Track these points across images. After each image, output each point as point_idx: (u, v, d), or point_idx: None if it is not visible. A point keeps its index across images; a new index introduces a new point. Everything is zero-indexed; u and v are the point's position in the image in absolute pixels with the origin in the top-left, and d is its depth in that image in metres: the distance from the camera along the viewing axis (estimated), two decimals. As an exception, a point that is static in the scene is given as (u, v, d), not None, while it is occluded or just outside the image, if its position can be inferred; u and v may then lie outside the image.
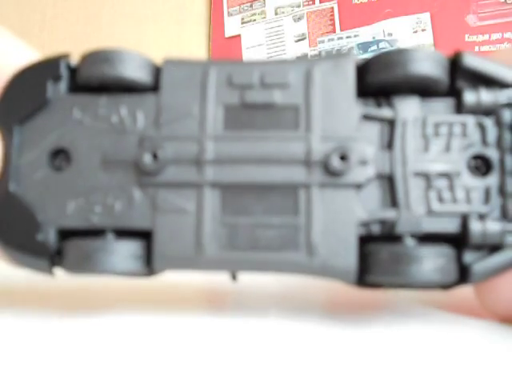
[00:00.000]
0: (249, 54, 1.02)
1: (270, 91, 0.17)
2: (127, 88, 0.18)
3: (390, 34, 0.94)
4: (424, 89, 0.17)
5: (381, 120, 0.17)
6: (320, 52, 0.98)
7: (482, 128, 0.17)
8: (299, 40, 1.00)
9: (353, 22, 0.96)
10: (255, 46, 1.03)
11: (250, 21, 1.03)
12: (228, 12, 1.05)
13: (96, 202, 0.17)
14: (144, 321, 0.17)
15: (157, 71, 0.18)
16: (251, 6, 1.03)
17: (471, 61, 0.17)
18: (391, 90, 0.17)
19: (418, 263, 0.15)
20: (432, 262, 0.15)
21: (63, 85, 0.18)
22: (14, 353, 0.14)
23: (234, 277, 0.18)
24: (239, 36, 1.04)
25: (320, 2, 0.99)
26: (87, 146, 0.17)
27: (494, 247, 0.16)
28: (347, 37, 0.96)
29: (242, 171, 0.17)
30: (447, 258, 0.16)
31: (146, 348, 0.15)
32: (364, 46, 0.95)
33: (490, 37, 0.88)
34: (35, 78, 0.18)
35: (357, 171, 0.16)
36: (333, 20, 0.98)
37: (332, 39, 0.98)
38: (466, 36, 0.89)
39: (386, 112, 0.17)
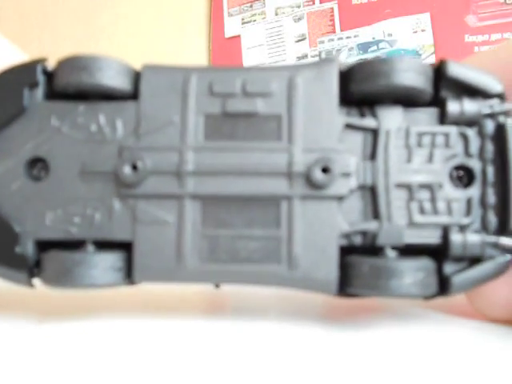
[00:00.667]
0: (249, 54, 1.03)
1: (252, 100, 0.17)
2: (106, 96, 0.17)
3: (389, 35, 0.94)
4: (408, 99, 0.17)
5: (364, 130, 0.17)
6: (320, 52, 0.98)
7: (464, 138, 0.17)
8: (299, 40, 1.00)
9: (353, 23, 0.96)
10: (255, 46, 1.03)
11: (250, 21, 1.03)
12: (228, 12, 1.05)
13: (75, 212, 0.17)
14: (143, 323, 0.17)
15: (137, 78, 0.17)
16: (251, 6, 1.03)
17: (455, 70, 0.17)
18: (374, 100, 0.17)
19: (398, 277, 0.15)
20: (412, 275, 0.15)
21: (40, 91, 0.17)
22: None
23: (217, 286, 0.18)
24: (239, 36, 1.04)
25: (320, 3, 0.99)
26: (66, 156, 0.17)
27: (474, 259, 0.16)
28: (347, 37, 0.97)
29: (223, 183, 0.16)
30: (427, 272, 0.16)
31: (146, 351, 0.15)
32: (364, 47, 0.95)
33: (489, 37, 0.88)
34: (11, 85, 0.17)
35: (339, 183, 0.16)
36: (333, 20, 0.98)
37: (332, 39, 0.98)
38: (466, 36, 0.89)
39: (369, 122, 0.17)
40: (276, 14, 1.02)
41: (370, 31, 0.95)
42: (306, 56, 0.98)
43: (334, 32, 0.98)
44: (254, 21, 1.03)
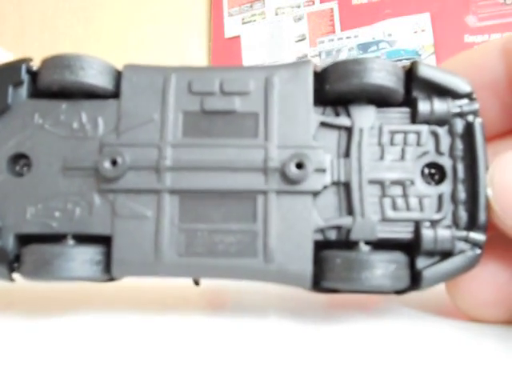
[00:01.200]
0: (249, 54, 1.03)
1: (229, 99, 0.17)
2: (88, 94, 0.18)
3: (389, 35, 0.94)
4: (380, 98, 0.17)
5: (338, 128, 0.17)
6: (320, 52, 0.98)
7: (435, 137, 0.17)
8: (299, 40, 1.00)
9: (353, 23, 0.96)
10: (255, 46, 1.03)
11: (250, 21, 1.03)
12: (228, 12, 1.05)
13: (56, 207, 0.17)
14: (143, 320, 0.17)
15: (118, 77, 0.18)
16: (251, 6, 1.03)
17: (425, 71, 0.17)
18: (348, 99, 0.17)
19: (369, 270, 0.16)
20: (383, 268, 0.16)
21: (24, 90, 0.18)
22: None
23: (196, 282, 0.18)
24: (239, 36, 1.04)
25: (320, 3, 0.99)
26: (48, 152, 0.17)
27: (445, 253, 0.16)
28: (347, 37, 0.97)
29: (200, 178, 0.17)
30: (399, 265, 0.16)
31: (145, 348, 0.15)
32: (364, 47, 0.95)
33: (489, 37, 0.88)
34: None
35: (313, 179, 0.17)
36: (333, 21, 0.98)
37: (332, 39, 0.98)
38: (466, 36, 0.89)
39: (343, 120, 0.17)
40: (276, 14, 1.02)
41: (370, 31, 0.95)
42: (305, 56, 0.98)
43: (334, 32, 0.98)
44: (254, 21, 1.03)
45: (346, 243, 0.17)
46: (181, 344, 0.15)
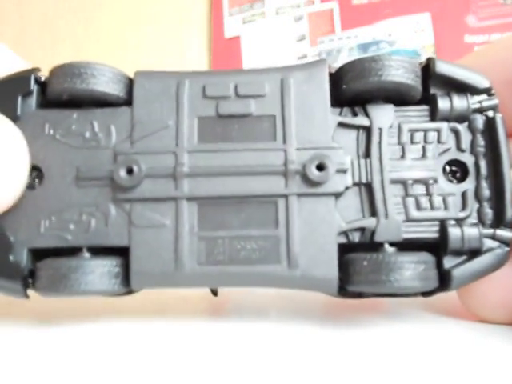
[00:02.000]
0: (249, 54, 1.02)
1: (245, 102, 0.17)
2: (100, 102, 0.17)
3: (389, 35, 0.94)
4: (398, 96, 0.17)
5: (357, 128, 0.17)
6: (320, 52, 0.98)
7: (456, 134, 0.17)
8: (299, 40, 1.00)
9: (353, 23, 0.96)
10: (255, 46, 1.02)
11: (251, 21, 1.03)
12: (228, 12, 1.04)
13: (70, 219, 0.17)
14: (143, 322, 0.17)
15: (130, 85, 0.17)
16: (251, 6, 1.03)
17: (443, 67, 0.17)
18: (366, 99, 0.17)
19: (397, 271, 0.15)
20: (411, 269, 0.15)
21: (33, 100, 0.17)
22: None
23: (214, 293, 0.18)
24: (239, 36, 1.04)
25: (320, 3, 0.99)
26: (60, 163, 0.17)
27: (473, 252, 0.16)
28: (347, 37, 0.96)
29: (219, 184, 0.16)
30: (427, 265, 0.16)
31: (145, 350, 0.15)
32: (364, 47, 0.95)
33: (489, 37, 0.88)
34: (5, 95, 0.17)
35: (335, 180, 0.16)
36: (333, 21, 0.98)
37: (332, 39, 0.98)
38: (466, 36, 0.89)
39: (361, 120, 0.17)
40: (276, 14, 1.02)
41: (370, 31, 0.95)
42: (305, 56, 0.98)
43: (334, 32, 0.98)
44: (254, 21, 1.03)
45: (370, 245, 0.16)
46: (182, 346, 0.15)
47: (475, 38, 0.89)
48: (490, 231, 0.16)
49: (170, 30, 1.05)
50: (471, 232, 0.16)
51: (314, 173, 0.16)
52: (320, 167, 0.16)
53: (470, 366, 0.14)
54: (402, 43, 0.92)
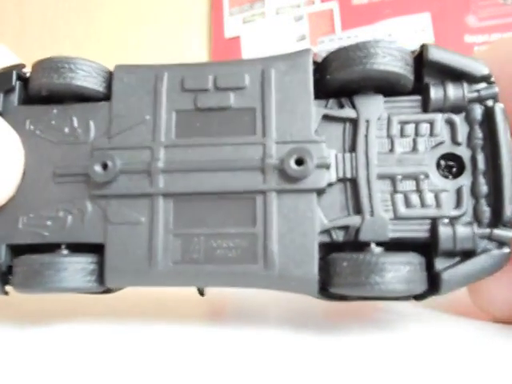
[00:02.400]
0: (249, 54, 1.02)
1: (224, 94, 0.16)
2: (79, 97, 0.17)
3: (390, 35, 0.94)
4: (388, 87, 0.16)
5: (343, 121, 0.16)
6: (320, 52, 0.98)
7: (451, 126, 0.16)
8: (299, 40, 1.00)
9: (353, 23, 0.96)
10: (255, 46, 1.02)
11: (251, 21, 1.03)
12: (228, 12, 1.04)
13: (48, 216, 0.16)
14: (142, 325, 0.17)
15: (110, 79, 0.17)
16: (251, 6, 1.03)
17: (437, 54, 0.16)
18: (353, 89, 0.16)
19: (378, 273, 0.14)
20: (394, 271, 0.14)
21: (15, 96, 0.17)
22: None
23: (201, 293, 0.17)
24: (240, 36, 1.04)
25: (320, 3, 0.99)
26: (39, 159, 0.17)
27: (467, 253, 0.15)
28: (347, 37, 0.96)
29: (195, 180, 0.16)
30: (412, 267, 0.14)
31: (144, 353, 0.15)
32: (364, 47, 0.95)
33: (489, 37, 0.88)
34: None
35: (316, 175, 0.15)
36: (333, 21, 0.98)
37: (332, 39, 0.97)
38: (466, 36, 0.89)
39: (347, 112, 0.16)
40: (276, 14, 1.02)
41: (370, 31, 0.95)
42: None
43: (334, 32, 0.98)
44: (254, 21, 1.03)
45: (356, 245, 0.16)
46: (180, 350, 0.15)
47: (475, 38, 0.89)
48: (487, 231, 0.15)
49: (170, 30, 1.05)
50: (464, 231, 0.15)
51: (292, 167, 0.15)
52: (299, 162, 0.15)
53: (478, 367, 0.13)
54: (402, 43, 0.92)
